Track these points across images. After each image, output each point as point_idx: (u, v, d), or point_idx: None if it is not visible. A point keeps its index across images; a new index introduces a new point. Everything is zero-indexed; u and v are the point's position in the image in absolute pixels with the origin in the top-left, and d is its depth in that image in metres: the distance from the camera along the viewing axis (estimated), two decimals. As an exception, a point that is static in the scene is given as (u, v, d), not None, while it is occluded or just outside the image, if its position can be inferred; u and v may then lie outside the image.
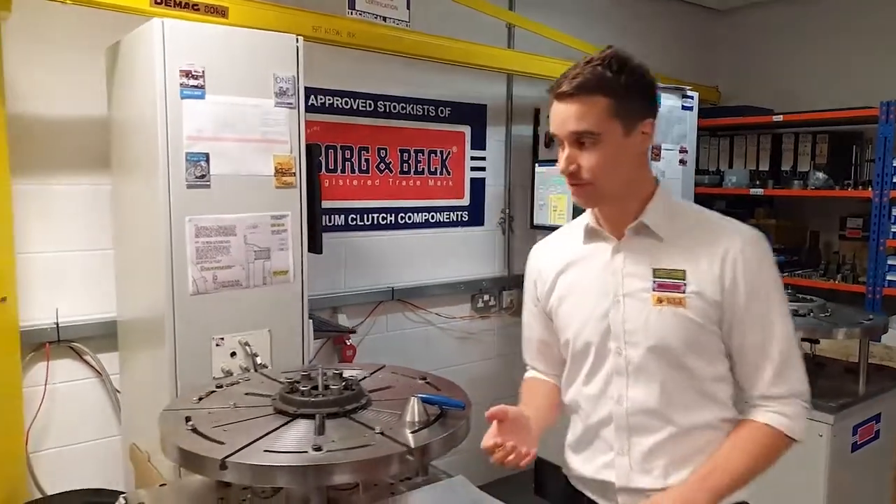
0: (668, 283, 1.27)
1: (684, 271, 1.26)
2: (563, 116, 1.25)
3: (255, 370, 1.98)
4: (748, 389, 1.30)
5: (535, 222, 3.51)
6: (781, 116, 3.61)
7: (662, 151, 3.11)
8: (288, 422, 1.38)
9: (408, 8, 2.87)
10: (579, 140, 1.24)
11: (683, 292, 1.25)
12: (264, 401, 1.52)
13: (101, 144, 2.42)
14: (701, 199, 3.52)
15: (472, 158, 3.65)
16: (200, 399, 1.53)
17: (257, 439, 1.29)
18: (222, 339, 2.00)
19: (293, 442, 1.30)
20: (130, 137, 2.16)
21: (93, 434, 2.54)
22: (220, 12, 2.26)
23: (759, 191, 3.70)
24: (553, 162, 3.39)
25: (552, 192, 3.37)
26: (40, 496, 2.35)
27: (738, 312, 1.25)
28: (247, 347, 2.03)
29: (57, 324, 2.40)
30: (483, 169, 3.69)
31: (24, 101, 2.31)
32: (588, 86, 1.22)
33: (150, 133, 1.92)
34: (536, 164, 3.48)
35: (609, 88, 1.22)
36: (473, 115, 3.62)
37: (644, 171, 1.34)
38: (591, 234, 1.39)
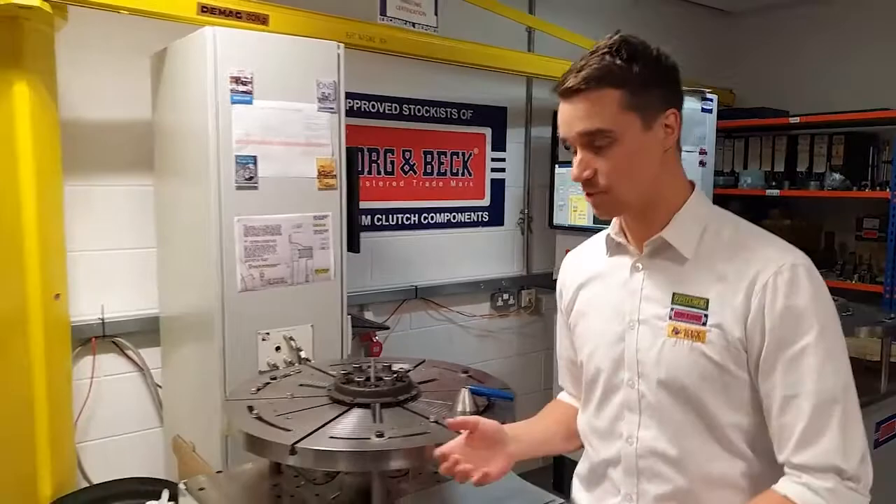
0: (687, 312, 1.10)
1: (707, 300, 1.08)
2: (569, 116, 1.09)
3: (300, 363, 2.06)
4: (777, 451, 1.07)
5: (555, 222, 3.59)
6: (798, 118, 3.68)
7: (682, 153, 3.17)
8: (345, 411, 1.47)
9: (436, 14, 2.95)
10: (592, 142, 1.08)
11: (704, 324, 1.07)
12: (319, 391, 1.60)
13: (145, 147, 2.51)
14: (716, 200, 3.58)
15: (493, 160, 3.73)
16: (259, 390, 1.62)
17: (321, 426, 1.37)
18: (268, 333, 2.09)
19: (354, 429, 1.38)
20: (178, 141, 2.25)
21: (134, 426, 2.64)
22: (262, 20, 2.35)
23: (775, 192, 3.77)
24: (571, 164, 3.47)
25: (573, 192, 3.44)
26: (86, 485, 2.45)
27: (762, 355, 1.05)
28: (291, 342, 2.11)
29: (102, 319, 2.50)
30: (503, 170, 3.77)
31: (72, 104, 2.40)
32: (595, 78, 1.06)
33: (201, 136, 2.01)
34: (557, 166, 3.56)
35: (620, 78, 1.06)
36: (494, 118, 3.70)
37: (672, 171, 1.15)
38: (614, 247, 1.24)
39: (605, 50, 1.08)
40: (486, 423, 1.20)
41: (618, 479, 1.20)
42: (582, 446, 1.33)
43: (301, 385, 1.66)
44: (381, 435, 1.32)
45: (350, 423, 1.41)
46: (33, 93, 2.06)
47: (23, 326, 2.09)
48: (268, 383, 1.67)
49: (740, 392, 1.08)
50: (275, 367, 2.06)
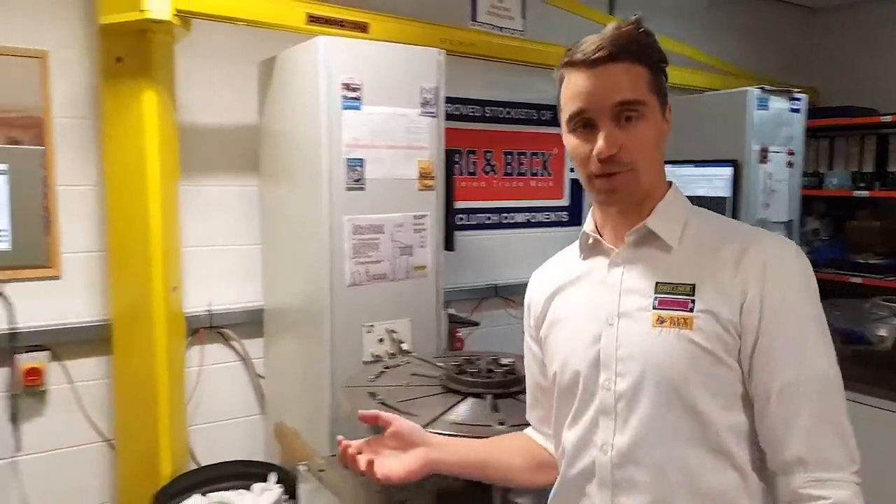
0: (672, 299, 1.01)
1: (693, 285, 1.01)
2: (600, 86, 1.01)
3: (401, 355, 2.16)
4: (777, 454, 0.97)
5: (635, 222, 3.59)
6: (890, 117, 3.58)
7: (769, 154, 3.16)
8: (461, 400, 1.56)
9: (523, 17, 3.02)
10: (621, 115, 1.01)
11: (690, 310, 0.99)
12: (431, 381, 1.70)
13: (250, 150, 2.67)
14: (801, 201, 3.53)
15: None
16: (376, 377, 1.73)
17: (443, 413, 1.46)
18: (372, 326, 2.20)
19: (474, 417, 1.47)
20: (286, 144, 2.38)
21: (236, 412, 2.80)
22: (362, 27, 2.47)
23: (865, 192, 3.68)
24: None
25: (655, 193, 3.44)
26: (194, 466, 2.61)
27: (760, 341, 0.97)
28: (393, 334, 2.22)
29: (209, 311, 2.67)
30: (582, 170, 3.80)
31: (185, 109, 2.57)
32: (630, 50, 1.01)
33: (312, 141, 2.13)
34: (639, 166, 3.57)
35: (647, 58, 1.03)
36: (573, 118, 3.73)
37: (663, 166, 1.11)
38: (589, 248, 1.15)
39: (631, 28, 1.03)
40: (401, 422, 1.15)
41: (593, 494, 1.08)
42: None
43: (413, 375, 1.76)
44: (502, 423, 1.40)
45: (468, 412, 1.50)
46: (159, 100, 2.23)
47: (148, 316, 2.27)
48: (382, 372, 1.78)
49: (732, 386, 0.99)
50: (378, 357, 2.17)
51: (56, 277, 2.40)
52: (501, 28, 2.97)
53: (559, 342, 1.14)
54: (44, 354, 2.36)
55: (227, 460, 2.54)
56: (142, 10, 2.03)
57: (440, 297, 2.37)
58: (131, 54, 2.19)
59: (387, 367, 1.82)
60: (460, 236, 3.38)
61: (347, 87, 2.10)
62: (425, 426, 1.39)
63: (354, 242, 2.15)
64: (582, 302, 1.12)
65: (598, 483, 1.06)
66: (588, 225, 1.15)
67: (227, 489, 2.36)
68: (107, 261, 2.40)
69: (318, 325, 2.17)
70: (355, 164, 2.13)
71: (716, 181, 3.18)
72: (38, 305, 2.35)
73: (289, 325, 2.52)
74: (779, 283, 0.98)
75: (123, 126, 2.24)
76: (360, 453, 1.11)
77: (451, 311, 3.46)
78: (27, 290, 2.33)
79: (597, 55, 1.01)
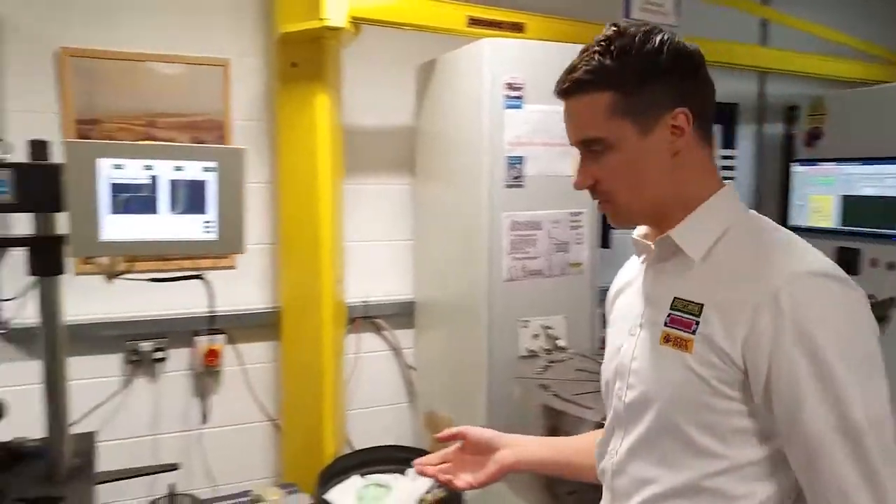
0: (681, 318, 0.97)
1: (701, 306, 0.94)
2: (566, 121, 1.03)
3: (557, 351, 2.18)
4: (809, 499, 0.91)
5: (790, 223, 3.41)
6: None
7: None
8: (632, 396, 1.56)
9: (677, 13, 2.95)
10: (590, 148, 1.00)
11: (693, 332, 0.94)
12: (597, 377, 1.70)
13: (405, 150, 2.79)
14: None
15: (722, 157, 3.62)
16: (543, 371, 1.76)
17: (618, 408, 1.47)
18: (527, 321, 2.24)
19: (649, 413, 1.46)
20: (444, 144, 2.47)
21: (386, 399, 2.93)
22: (519, 28, 2.51)
23: None
24: (813, 162, 3.29)
25: (815, 192, 3.25)
26: (349, 449, 2.76)
27: (771, 380, 0.88)
28: (548, 330, 2.24)
29: (365, 302, 2.81)
30: (732, 168, 3.65)
31: (347, 112, 2.72)
32: (584, 81, 0.97)
33: (474, 140, 2.20)
34: (797, 164, 3.38)
35: (610, 80, 0.95)
36: (723, 114, 3.59)
37: (688, 173, 1.00)
38: (642, 250, 1.11)
39: (596, 48, 0.97)
40: (474, 431, 1.21)
41: (605, 495, 1.11)
42: None
43: (578, 370, 1.78)
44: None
45: (642, 408, 1.49)
46: (331, 103, 2.38)
47: (316, 306, 2.42)
48: (548, 366, 1.81)
49: (730, 419, 0.92)
50: (533, 353, 2.20)
51: (232, 267, 2.63)
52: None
53: (608, 344, 1.16)
54: (221, 337, 2.58)
55: (382, 445, 2.66)
56: (321, 19, 2.17)
57: (595, 295, 2.36)
58: (306, 60, 2.35)
59: (551, 362, 1.85)
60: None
61: (510, 86, 2.15)
62: (601, 420, 1.40)
63: (512, 238, 2.19)
64: (624, 307, 1.12)
65: (606, 486, 1.10)
66: (638, 229, 1.10)
67: (383, 472, 2.48)
68: (277, 253, 2.60)
69: (474, 319, 2.24)
70: (515, 162, 2.18)
71: (889, 180, 2.96)
72: (216, 292, 2.57)
73: (441, 318, 2.61)
74: (794, 316, 0.86)
75: (297, 128, 2.41)
76: (444, 462, 1.20)
77: (599, 310, 3.44)
78: (211, 277, 2.56)
79: (556, 90, 1.02)
